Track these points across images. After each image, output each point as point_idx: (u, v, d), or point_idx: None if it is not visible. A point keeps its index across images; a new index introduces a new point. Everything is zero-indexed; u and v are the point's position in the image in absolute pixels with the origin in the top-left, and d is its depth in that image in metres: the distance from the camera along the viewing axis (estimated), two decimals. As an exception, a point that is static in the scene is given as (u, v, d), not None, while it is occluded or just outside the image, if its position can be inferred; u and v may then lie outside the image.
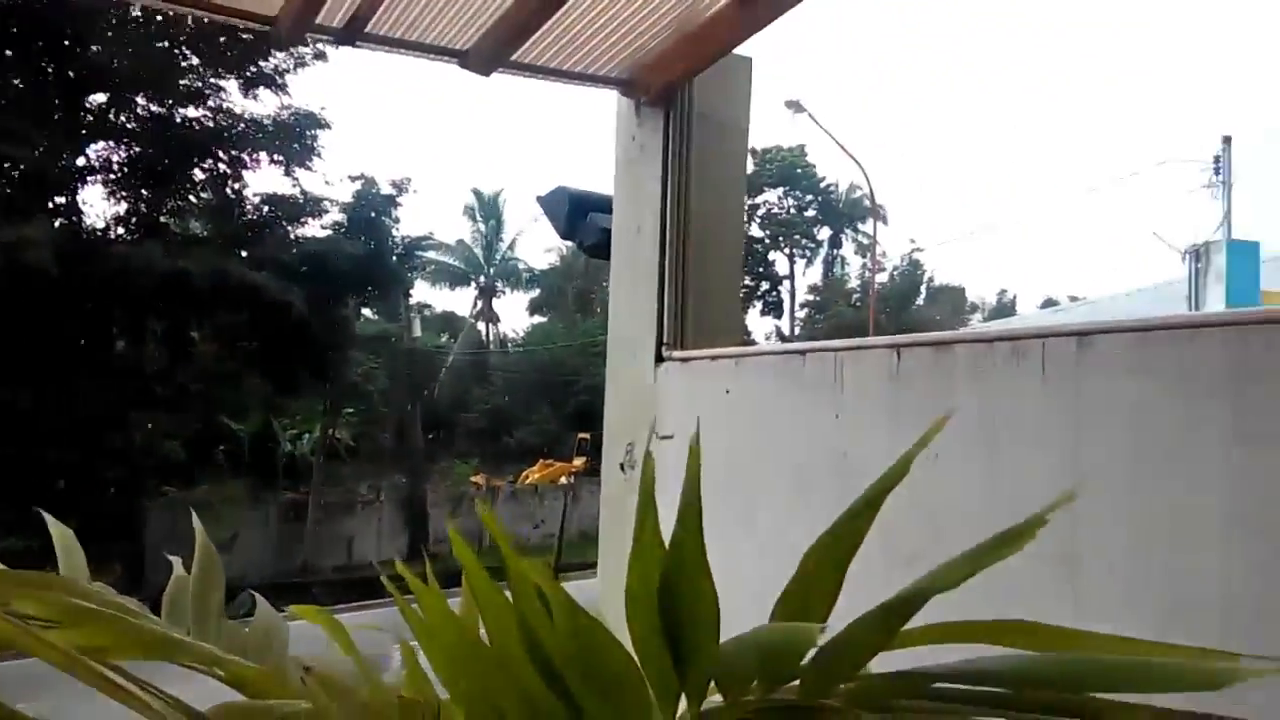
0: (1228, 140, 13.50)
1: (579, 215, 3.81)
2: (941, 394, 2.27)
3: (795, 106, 22.02)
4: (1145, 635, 1.85)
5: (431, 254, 35.92)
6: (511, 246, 39.26)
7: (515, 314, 49.32)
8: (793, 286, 46.64)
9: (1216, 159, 13.40)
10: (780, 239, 46.83)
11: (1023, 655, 0.74)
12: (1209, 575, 1.78)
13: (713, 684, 0.78)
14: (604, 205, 3.71)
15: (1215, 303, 11.36)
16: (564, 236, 4.00)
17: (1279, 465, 1.69)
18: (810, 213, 46.96)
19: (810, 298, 47.78)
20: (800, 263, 47.52)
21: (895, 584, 2.44)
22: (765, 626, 0.76)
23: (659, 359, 3.13)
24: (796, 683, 0.75)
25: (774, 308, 46.85)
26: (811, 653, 0.77)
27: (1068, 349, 2.02)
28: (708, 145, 3.32)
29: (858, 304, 41.56)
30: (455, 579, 0.94)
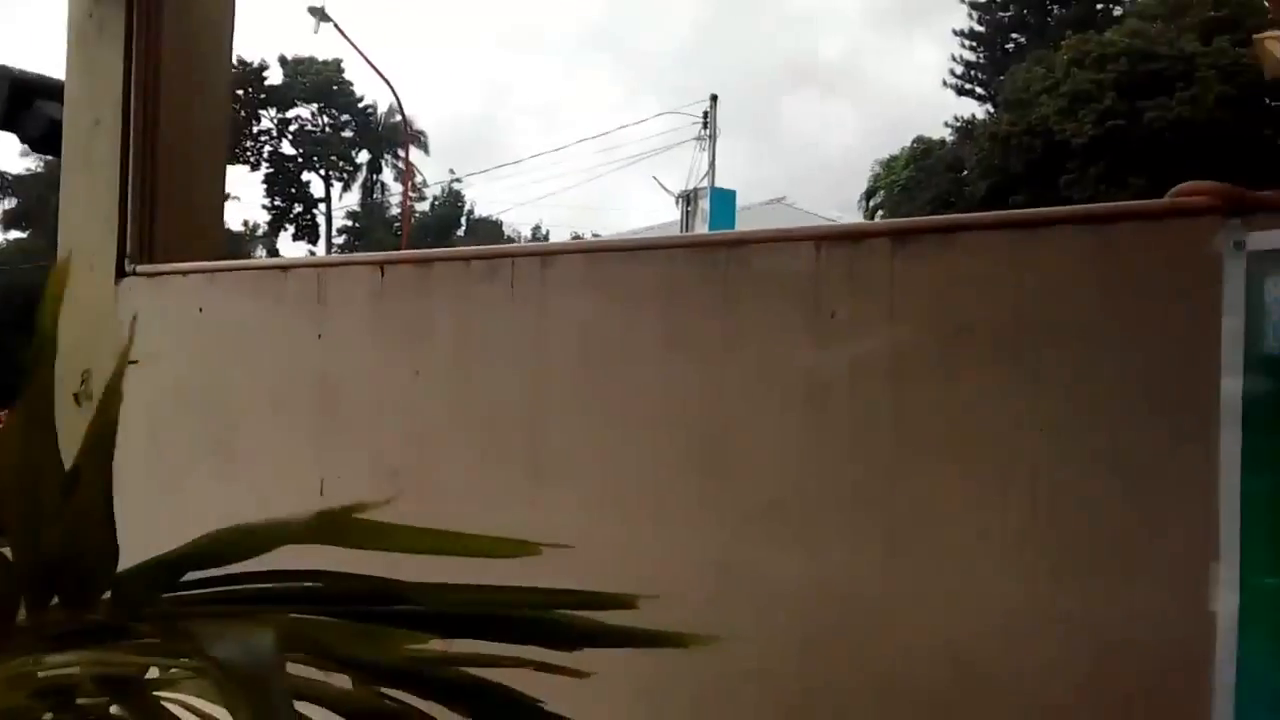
0: (714, 99, 15.53)
1: (21, 101, 3.18)
2: (423, 311, 2.28)
3: (319, 15, 20.69)
4: (587, 518, 2.04)
5: None
6: (-27, 144, 32.08)
7: (-19, 227, 40.70)
8: (328, 210, 44.51)
9: (705, 115, 15.37)
10: (315, 159, 44.27)
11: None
12: (643, 460, 2.02)
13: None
14: (55, 91, 3.14)
15: (703, 241, 13.01)
16: (1, 126, 3.31)
17: (695, 367, 1.96)
18: (348, 133, 44.94)
19: (349, 223, 45.96)
20: (337, 186, 45.42)
21: (381, 496, 2.40)
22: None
23: (120, 273, 2.75)
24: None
25: (308, 231, 44.40)
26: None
27: (534, 267, 2.14)
28: (183, 33, 2.95)
29: (398, 231, 40.97)
30: None
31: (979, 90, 29.97)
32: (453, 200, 45.51)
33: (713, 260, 1.95)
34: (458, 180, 44.67)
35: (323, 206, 43.77)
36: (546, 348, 2.11)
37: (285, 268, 2.54)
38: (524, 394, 2.14)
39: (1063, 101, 19.98)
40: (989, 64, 29.70)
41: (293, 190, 43.37)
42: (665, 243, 2.00)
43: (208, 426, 2.57)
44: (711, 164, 15.09)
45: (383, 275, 2.33)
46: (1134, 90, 19.34)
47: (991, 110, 26.50)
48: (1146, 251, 1.60)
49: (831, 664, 1.83)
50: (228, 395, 2.56)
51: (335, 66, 41.65)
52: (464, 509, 2.17)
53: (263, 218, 43.50)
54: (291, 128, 43.23)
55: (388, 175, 45.01)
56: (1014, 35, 29.89)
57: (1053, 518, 1.64)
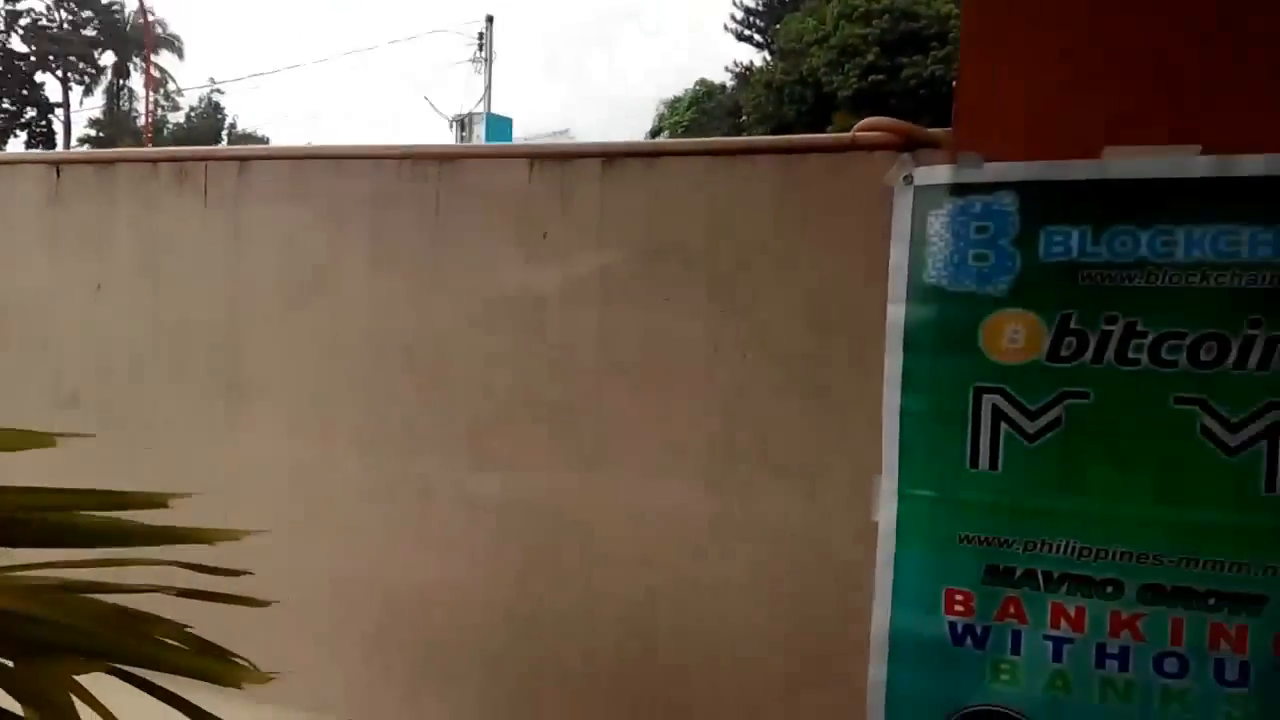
0: (490, 19, 14.99)
1: None
2: (105, 218, 2.06)
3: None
4: (290, 440, 1.93)
5: None
6: None
7: None
8: (67, 116, 39.79)
9: (480, 35, 14.81)
10: (52, 58, 39.25)
11: None
12: (348, 380, 1.94)
13: None
14: None
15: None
16: None
17: (403, 285, 1.89)
18: (91, 32, 40.10)
19: (91, 132, 41.30)
20: (78, 90, 40.58)
21: (58, 426, 2.15)
22: None
23: None
24: None
25: (43, 139, 39.60)
26: None
27: (230, 174, 1.98)
28: None
29: (149, 143, 37.27)
30: None
31: (757, 38, 30.82)
32: (212, 112, 41.80)
33: (424, 174, 1.88)
34: (218, 90, 41.05)
35: (61, 112, 39.01)
36: (245, 261, 1.97)
37: (-59, 165, 2.21)
38: (220, 311, 1.99)
39: (832, 54, 20.96)
40: (767, 11, 30.54)
41: (24, 92, 38.32)
42: (373, 153, 1.90)
43: None
44: (487, 88, 14.67)
45: (58, 176, 2.08)
46: (895, 47, 20.57)
47: (768, 58, 27.38)
48: (831, 183, 1.69)
49: (537, 580, 1.85)
50: None
51: (70, -47, 36.86)
52: (154, 433, 2.01)
53: (-11, 122, 38.25)
54: (22, 22, 37.98)
55: (136, 81, 40.60)
56: (791, -16, 30.81)
57: (742, 433, 1.72)
